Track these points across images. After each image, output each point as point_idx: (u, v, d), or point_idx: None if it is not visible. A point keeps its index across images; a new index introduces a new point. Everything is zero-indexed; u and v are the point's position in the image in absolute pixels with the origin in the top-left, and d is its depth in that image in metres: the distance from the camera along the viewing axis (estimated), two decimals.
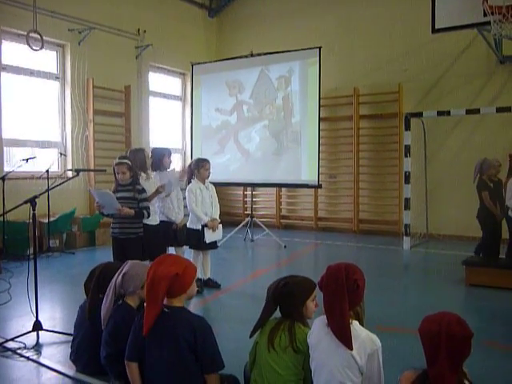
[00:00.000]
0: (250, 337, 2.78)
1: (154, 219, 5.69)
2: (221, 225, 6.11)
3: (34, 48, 8.07)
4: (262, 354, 2.69)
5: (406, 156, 9.10)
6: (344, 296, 2.35)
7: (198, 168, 6.04)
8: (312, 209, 11.63)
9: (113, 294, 3.20)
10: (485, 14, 7.05)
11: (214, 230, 5.98)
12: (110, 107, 10.25)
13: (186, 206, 6.22)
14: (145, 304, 2.73)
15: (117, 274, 3.27)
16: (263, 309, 2.76)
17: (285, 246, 9.29)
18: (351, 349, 2.31)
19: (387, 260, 8.35)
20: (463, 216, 9.22)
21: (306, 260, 8.59)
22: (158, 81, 11.75)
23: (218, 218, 6.14)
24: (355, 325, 2.39)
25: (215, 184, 6.44)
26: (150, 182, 5.78)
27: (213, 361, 2.69)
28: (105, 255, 5.13)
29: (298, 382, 2.64)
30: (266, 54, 10.46)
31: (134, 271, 3.25)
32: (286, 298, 2.71)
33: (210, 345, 2.70)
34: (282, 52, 10.21)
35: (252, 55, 10.68)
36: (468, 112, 8.72)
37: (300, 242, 10.17)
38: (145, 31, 10.83)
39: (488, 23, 7.08)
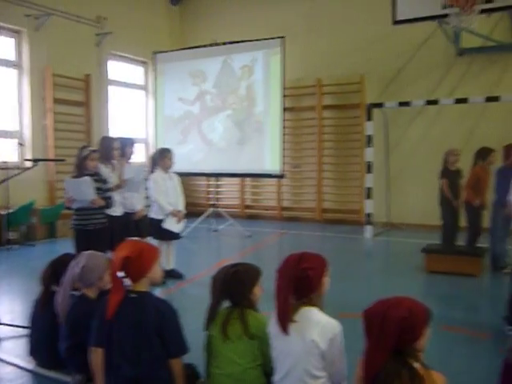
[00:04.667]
0: (205, 329, 2.79)
1: (117, 210, 5.62)
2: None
3: None
4: (218, 345, 2.69)
5: (368, 146, 9.22)
6: (290, 283, 2.38)
7: (160, 158, 5.99)
8: (276, 198, 11.68)
9: (70, 286, 3.15)
10: (444, 7, 7.17)
11: (179, 221, 5.98)
12: (69, 96, 10.00)
13: (148, 197, 6.16)
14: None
15: (72, 266, 3.21)
16: (212, 300, 2.76)
17: (249, 236, 9.31)
18: (287, 333, 2.37)
19: (350, 248, 8.48)
20: (424, 205, 9.44)
21: (269, 249, 8.64)
22: (119, 69, 11.54)
23: (183, 209, 6.13)
24: (315, 311, 2.42)
25: (179, 174, 6.40)
26: (114, 172, 5.70)
27: (178, 345, 2.70)
28: (66, 247, 5.03)
29: (257, 368, 2.67)
30: (229, 43, 10.39)
31: (92, 263, 3.20)
32: (236, 285, 2.72)
33: (176, 329, 2.71)
34: (245, 41, 10.17)
35: (215, 44, 10.60)
36: (428, 103, 8.91)
37: (264, 231, 10.21)
38: (105, 18, 10.60)
39: (447, 16, 7.21)
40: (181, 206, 6.14)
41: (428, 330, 2.05)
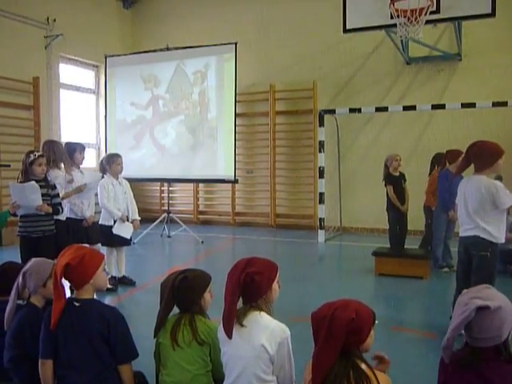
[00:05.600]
0: (155, 337, 2.76)
1: (61, 215, 5.48)
2: (131, 224, 6.02)
3: None
4: (168, 353, 2.67)
5: (320, 151, 9.36)
6: (236, 288, 2.39)
7: (109, 163, 5.92)
8: (229, 204, 11.68)
9: (15, 294, 3.05)
10: (392, 17, 7.37)
11: (136, 229, 5.98)
12: (16, 99, 9.70)
13: (98, 203, 6.04)
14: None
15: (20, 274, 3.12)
16: (162, 307, 2.73)
17: (202, 242, 9.27)
18: (230, 338, 2.38)
19: (302, 253, 8.56)
20: (374, 209, 9.61)
21: (222, 255, 8.62)
22: (70, 73, 11.29)
23: (137, 217, 6.12)
24: (264, 315, 2.43)
25: (131, 180, 6.32)
26: (62, 177, 5.56)
27: (126, 350, 2.66)
28: (12, 255, 4.86)
29: (207, 374, 2.66)
30: (182, 48, 10.35)
31: (33, 269, 3.10)
32: (186, 292, 2.70)
33: (123, 334, 2.66)
34: (198, 47, 10.15)
35: (168, 49, 10.53)
36: (377, 110, 9.14)
37: (217, 237, 10.19)
38: (55, 20, 10.35)
39: (395, 25, 7.41)
40: (135, 213, 6.10)
41: (373, 332, 2.09)
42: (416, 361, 3.83)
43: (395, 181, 7.28)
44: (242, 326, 2.40)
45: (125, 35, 12.54)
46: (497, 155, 4.00)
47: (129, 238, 6.08)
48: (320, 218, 9.45)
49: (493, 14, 7.01)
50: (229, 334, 2.40)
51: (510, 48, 9.20)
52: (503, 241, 4.11)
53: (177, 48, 10.42)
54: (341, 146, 10.51)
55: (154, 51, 10.65)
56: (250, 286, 2.42)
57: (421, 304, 5.60)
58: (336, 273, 7.26)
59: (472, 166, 4.15)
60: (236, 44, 9.71)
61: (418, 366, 3.72)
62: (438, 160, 7.13)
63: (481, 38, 9.25)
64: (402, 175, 7.41)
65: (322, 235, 9.36)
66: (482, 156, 4.02)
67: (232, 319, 2.40)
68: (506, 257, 6.21)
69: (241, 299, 2.46)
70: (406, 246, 7.25)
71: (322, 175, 9.35)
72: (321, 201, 9.42)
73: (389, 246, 7.27)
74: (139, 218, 6.20)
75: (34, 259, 3.22)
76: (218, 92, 9.98)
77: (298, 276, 6.55)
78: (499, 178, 4.23)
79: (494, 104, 8.22)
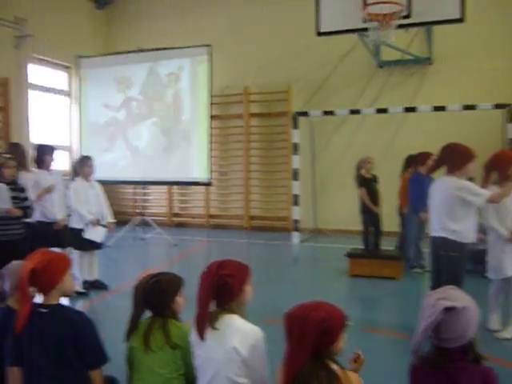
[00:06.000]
0: (126, 341, 2.72)
1: (31, 218, 5.39)
2: (104, 228, 5.96)
3: None
4: (140, 356, 2.64)
5: (294, 154, 9.40)
6: (209, 290, 2.38)
7: (80, 166, 5.86)
8: (204, 206, 11.65)
9: None
10: (364, 21, 7.44)
11: (110, 232, 5.94)
12: None
13: (68, 206, 5.96)
14: None
15: None
16: (133, 310, 2.70)
17: (175, 245, 9.21)
18: (202, 339, 2.37)
19: (277, 255, 8.58)
20: (349, 211, 9.67)
21: (196, 258, 8.58)
22: (41, 74, 11.10)
23: (111, 219, 6.07)
24: (236, 318, 2.43)
25: (104, 182, 6.26)
26: (31, 179, 5.47)
27: (95, 355, 2.61)
28: None
29: (179, 378, 2.64)
30: (155, 49, 10.28)
31: (7, 270, 3.04)
32: (158, 295, 2.68)
33: (92, 339, 2.61)
34: (172, 49, 10.11)
35: (141, 51, 10.45)
36: (351, 112, 9.23)
37: (191, 239, 10.14)
38: (25, 20, 10.16)
39: (367, 29, 7.49)
40: (108, 216, 6.04)
41: (345, 334, 2.10)
42: (389, 362, 3.87)
43: (368, 183, 7.35)
44: (214, 328, 2.39)
45: (98, 36, 12.39)
46: (467, 159, 4.06)
47: (100, 241, 6.00)
48: (295, 220, 9.48)
49: (462, 20, 7.16)
50: (202, 337, 2.39)
51: (478, 53, 9.38)
52: (472, 241, 4.17)
53: (150, 50, 10.35)
54: (315, 148, 10.58)
55: (128, 53, 10.56)
56: (223, 289, 2.41)
57: (394, 305, 5.67)
58: (310, 274, 7.29)
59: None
60: (210, 46, 9.69)
61: (390, 366, 3.76)
62: (410, 162, 7.23)
63: (451, 43, 9.42)
64: (375, 177, 7.49)
65: (296, 237, 9.40)
66: (453, 158, 4.09)
67: (205, 322, 2.39)
68: (476, 257, 6.31)
69: (213, 302, 2.45)
70: (381, 247, 7.32)
71: (296, 177, 9.39)
72: (295, 203, 9.46)
73: (363, 247, 7.34)
74: (113, 221, 6.14)
75: (13, 262, 3.16)
76: (192, 94, 9.95)
77: (272, 278, 6.56)
78: (471, 180, 4.30)
79: (464, 107, 8.38)
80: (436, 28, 8.79)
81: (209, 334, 2.40)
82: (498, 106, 8.35)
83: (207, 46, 9.70)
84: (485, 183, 4.34)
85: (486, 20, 9.07)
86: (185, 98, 10.00)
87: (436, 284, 4.17)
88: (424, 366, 2.07)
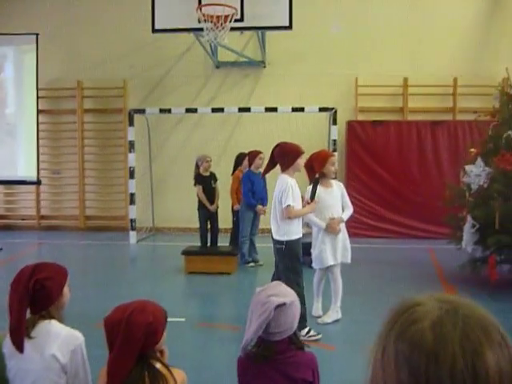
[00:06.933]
0: None
1: None
2: None
3: None
4: None
5: (130, 152, 9.20)
6: (24, 297, 2.24)
7: None
8: (34, 207, 10.85)
9: None
10: (200, 21, 7.54)
11: None
12: None
13: None
14: None
15: None
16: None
17: (1, 249, 8.45)
18: (21, 352, 2.22)
19: (113, 255, 8.35)
20: (187, 209, 9.73)
21: (25, 262, 7.89)
22: None
23: None
24: (55, 324, 2.31)
25: None
26: None
27: None
28: None
29: None
30: None
31: None
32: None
33: None
34: None
35: None
36: (187, 111, 9.30)
37: (20, 242, 9.41)
38: None
39: (202, 29, 7.60)
40: None
41: (165, 331, 2.11)
42: (221, 354, 3.98)
43: (205, 181, 7.48)
44: (30, 338, 2.24)
45: None
46: (296, 155, 4.37)
47: None
48: (131, 219, 9.28)
49: (290, 27, 7.65)
50: (19, 348, 2.21)
51: (306, 59, 10.03)
52: (297, 237, 4.44)
53: None
54: (152, 147, 10.45)
55: None
56: (41, 293, 2.27)
57: (228, 299, 5.85)
58: (147, 274, 7.20)
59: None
60: (37, 35, 9.05)
61: (221, 359, 3.86)
62: (240, 160, 7.52)
63: (283, 48, 9.94)
64: (213, 175, 7.64)
65: (133, 236, 9.21)
66: (284, 156, 4.37)
67: (22, 331, 2.23)
68: (303, 249, 6.76)
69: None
70: (219, 244, 7.48)
71: (132, 175, 9.20)
72: (132, 201, 9.26)
73: (200, 244, 7.44)
74: None
75: None
76: (17, 86, 9.23)
77: (107, 279, 6.36)
78: (316, 181, 4.58)
79: (293, 109, 8.94)
80: (269, 33, 9.22)
81: (25, 343, 2.24)
82: (323, 110, 9.04)
83: (34, 34, 9.04)
84: (310, 181, 4.70)
85: (314, 29, 9.75)
86: (9, 89, 9.25)
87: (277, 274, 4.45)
88: (252, 359, 2.15)
